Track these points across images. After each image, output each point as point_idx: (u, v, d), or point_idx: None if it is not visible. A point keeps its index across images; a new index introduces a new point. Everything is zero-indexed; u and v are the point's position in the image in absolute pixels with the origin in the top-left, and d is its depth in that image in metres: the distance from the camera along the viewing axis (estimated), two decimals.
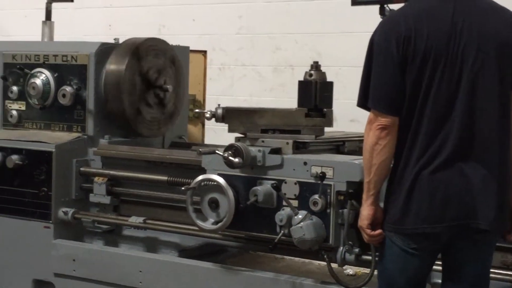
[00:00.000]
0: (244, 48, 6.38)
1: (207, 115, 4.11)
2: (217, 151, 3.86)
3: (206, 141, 6.18)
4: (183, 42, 5.41)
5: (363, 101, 3.09)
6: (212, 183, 3.87)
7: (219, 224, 3.88)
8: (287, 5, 6.17)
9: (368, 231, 3.13)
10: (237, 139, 3.94)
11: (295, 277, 3.95)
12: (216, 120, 4.09)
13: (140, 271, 4.28)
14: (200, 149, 3.99)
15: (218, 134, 6.26)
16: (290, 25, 6.13)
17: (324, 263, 3.72)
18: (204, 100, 6.42)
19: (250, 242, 4.07)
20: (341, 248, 3.66)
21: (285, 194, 3.70)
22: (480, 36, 2.96)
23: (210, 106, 6.23)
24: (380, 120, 3.01)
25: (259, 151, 3.83)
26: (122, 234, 4.68)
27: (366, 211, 3.12)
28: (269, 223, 3.78)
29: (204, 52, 6.45)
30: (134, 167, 4.56)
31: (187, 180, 4.27)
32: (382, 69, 3.01)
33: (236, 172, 3.88)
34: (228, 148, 3.83)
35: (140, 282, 4.27)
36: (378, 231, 3.13)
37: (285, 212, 3.73)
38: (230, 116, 4.03)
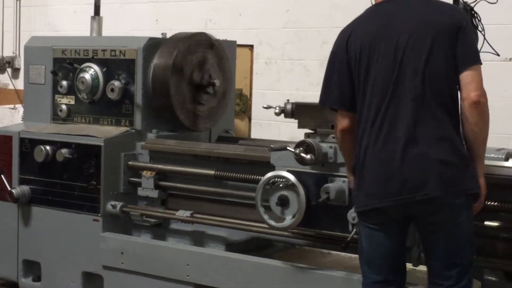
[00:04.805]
0: (291, 42, 6.34)
1: (276, 111, 4.02)
2: (288, 148, 3.77)
3: (252, 136, 6.17)
4: (230, 36, 5.41)
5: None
6: (282, 180, 3.81)
7: (290, 222, 3.82)
8: None
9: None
10: (307, 135, 3.86)
11: (340, 271, 3.93)
12: (285, 116, 4.00)
13: (187, 265, 4.30)
14: (272, 145, 3.92)
15: (264, 129, 6.26)
16: (337, 19, 6.06)
17: None
18: (250, 94, 6.40)
19: (319, 241, 3.99)
20: (416, 247, 3.60)
21: None
22: (416, 26, 3.10)
23: (256, 100, 6.22)
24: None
25: (331, 147, 3.76)
26: (169, 228, 4.71)
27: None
28: (341, 221, 3.72)
29: (250, 47, 6.43)
30: (182, 161, 4.58)
31: (234, 174, 4.27)
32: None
33: (306, 169, 3.80)
34: (300, 144, 3.74)
35: (187, 276, 4.29)
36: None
37: None
38: (300, 111, 3.94)
